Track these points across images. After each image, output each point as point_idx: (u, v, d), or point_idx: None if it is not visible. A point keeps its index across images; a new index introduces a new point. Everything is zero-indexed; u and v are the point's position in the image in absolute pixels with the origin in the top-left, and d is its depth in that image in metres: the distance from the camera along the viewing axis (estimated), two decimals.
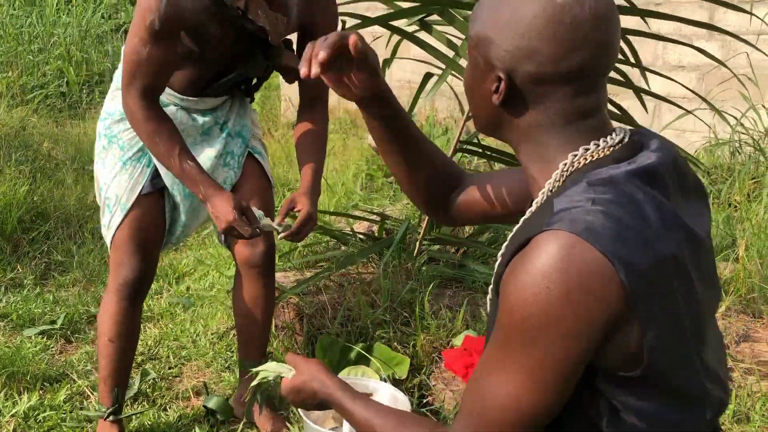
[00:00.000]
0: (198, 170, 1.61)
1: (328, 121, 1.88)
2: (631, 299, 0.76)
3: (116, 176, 1.76)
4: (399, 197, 3.78)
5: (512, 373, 0.79)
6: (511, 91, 0.84)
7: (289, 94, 6.20)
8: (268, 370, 1.20)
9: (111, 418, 1.85)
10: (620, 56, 2.14)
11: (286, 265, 2.57)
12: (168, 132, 1.61)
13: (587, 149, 0.85)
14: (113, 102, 1.79)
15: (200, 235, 3.50)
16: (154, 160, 1.75)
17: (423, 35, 2.36)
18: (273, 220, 1.71)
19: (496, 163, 2.66)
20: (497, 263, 0.91)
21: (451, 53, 2.29)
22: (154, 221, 1.80)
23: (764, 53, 3.95)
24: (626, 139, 0.88)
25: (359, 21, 2.18)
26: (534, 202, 0.89)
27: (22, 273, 2.94)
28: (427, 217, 2.53)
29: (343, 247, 2.67)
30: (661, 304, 0.78)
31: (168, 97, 1.76)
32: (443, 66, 2.27)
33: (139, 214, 1.76)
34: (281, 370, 1.16)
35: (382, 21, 2.17)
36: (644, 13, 2.24)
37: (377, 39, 2.38)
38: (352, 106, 5.94)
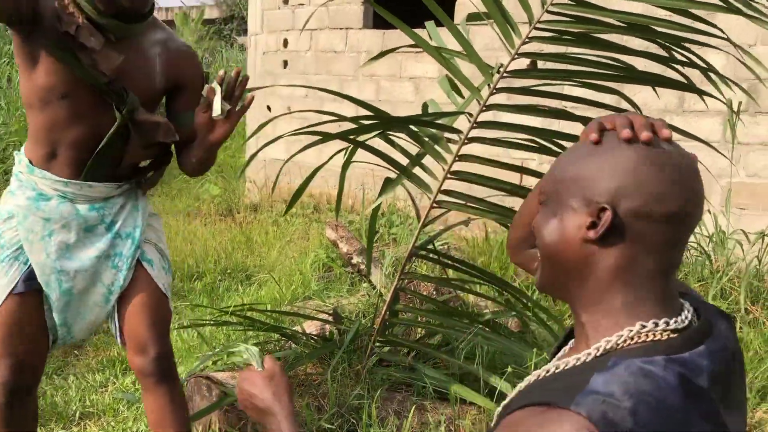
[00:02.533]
0: None
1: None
2: None
3: None
4: (356, 288, 3.79)
5: None
6: (611, 224, 0.80)
7: (253, 176, 6.26)
8: (242, 352, 1.18)
9: None
10: None
11: (234, 364, 2.53)
12: None
13: (656, 324, 0.80)
14: (1, 205, 1.78)
15: None
16: (32, 259, 1.72)
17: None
18: (160, 336, 1.78)
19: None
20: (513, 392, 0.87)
21: (405, 160, 2.37)
22: (29, 321, 1.74)
23: (701, 162, 4.17)
24: (692, 324, 0.82)
25: (321, 137, 2.24)
26: (575, 357, 0.83)
27: None
28: (380, 318, 2.55)
29: (293, 346, 2.66)
30: None
31: (52, 187, 1.72)
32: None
33: (8, 314, 1.71)
34: (252, 359, 1.15)
35: (343, 136, 2.24)
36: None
37: (341, 151, 2.43)
38: (317, 190, 6.03)
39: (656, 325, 0.80)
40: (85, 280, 1.77)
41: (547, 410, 0.74)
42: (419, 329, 2.74)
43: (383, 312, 2.52)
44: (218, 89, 1.60)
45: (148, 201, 1.91)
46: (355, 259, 3.50)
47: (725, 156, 2.44)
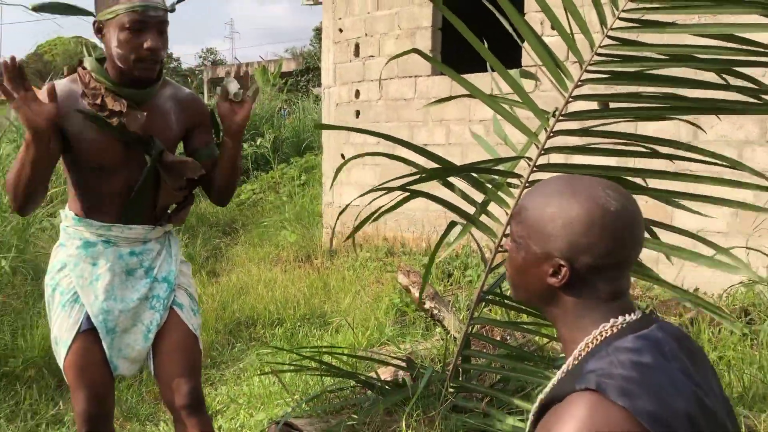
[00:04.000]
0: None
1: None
2: None
3: (58, 318, 1.94)
4: (431, 333, 3.82)
5: None
6: (570, 277, 1.02)
7: (329, 222, 6.43)
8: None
9: None
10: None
11: (312, 410, 2.61)
12: None
13: (615, 321, 1.03)
14: (55, 258, 2.00)
15: (236, 370, 3.59)
16: (84, 301, 1.92)
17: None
18: (191, 373, 1.92)
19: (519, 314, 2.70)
20: (529, 421, 1.06)
21: (471, 208, 2.42)
22: (95, 355, 1.93)
23: None
24: (639, 316, 1.06)
25: (387, 191, 2.29)
26: (566, 364, 1.05)
27: (63, 409, 3.05)
28: (452, 364, 2.56)
29: (368, 392, 2.71)
30: None
31: (96, 233, 1.94)
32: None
33: (79, 351, 1.91)
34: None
35: (404, 188, 2.31)
36: (672, 158, 2.26)
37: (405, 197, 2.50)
38: (390, 233, 6.13)
39: (615, 321, 1.03)
40: (127, 320, 1.96)
41: (561, 403, 0.94)
42: (493, 374, 2.73)
43: (455, 358, 2.54)
44: (232, 80, 1.95)
45: (180, 248, 2.11)
46: (428, 304, 3.54)
47: None
